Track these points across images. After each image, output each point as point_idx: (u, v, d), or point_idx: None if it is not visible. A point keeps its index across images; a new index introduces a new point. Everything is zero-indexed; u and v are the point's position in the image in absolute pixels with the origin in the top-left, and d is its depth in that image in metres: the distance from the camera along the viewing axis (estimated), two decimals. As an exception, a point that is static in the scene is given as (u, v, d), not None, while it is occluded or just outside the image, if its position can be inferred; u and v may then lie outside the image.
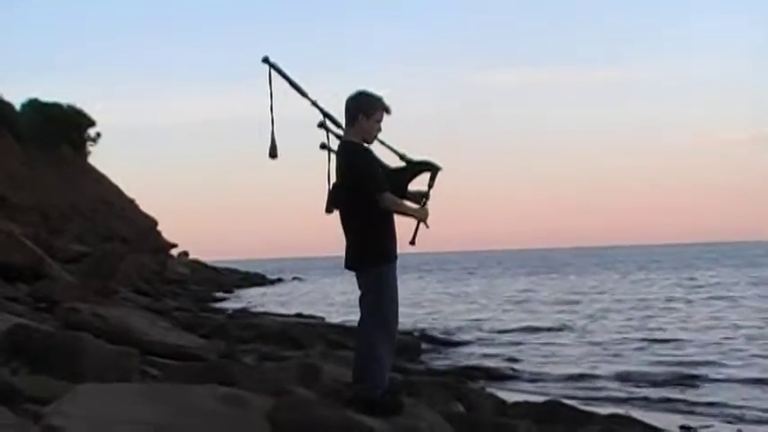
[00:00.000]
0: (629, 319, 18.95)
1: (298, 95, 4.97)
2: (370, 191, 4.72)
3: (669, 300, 24.74)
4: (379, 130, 4.93)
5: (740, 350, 13.35)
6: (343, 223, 4.90)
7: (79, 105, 43.04)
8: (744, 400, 9.35)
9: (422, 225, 4.95)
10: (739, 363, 12.06)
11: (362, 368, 4.81)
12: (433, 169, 5.04)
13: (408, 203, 4.96)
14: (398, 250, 4.92)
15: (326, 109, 5.02)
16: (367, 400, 4.74)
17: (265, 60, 4.86)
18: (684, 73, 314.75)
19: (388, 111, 4.91)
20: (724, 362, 12.10)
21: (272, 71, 4.85)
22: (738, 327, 16.71)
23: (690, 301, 23.99)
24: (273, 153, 4.94)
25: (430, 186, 5.03)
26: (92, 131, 44.64)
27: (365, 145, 4.90)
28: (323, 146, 4.99)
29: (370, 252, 4.81)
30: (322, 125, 4.98)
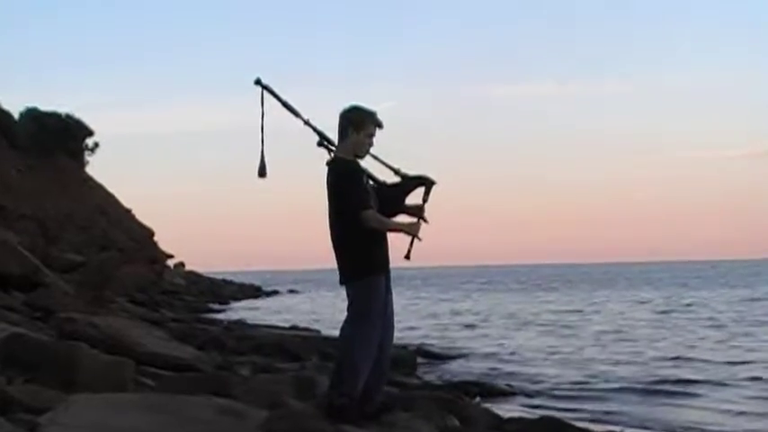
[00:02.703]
0: (631, 340, 18.82)
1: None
2: (353, 209, 4.76)
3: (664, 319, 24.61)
4: (371, 144, 4.97)
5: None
6: (331, 239, 4.95)
7: (78, 115, 43.12)
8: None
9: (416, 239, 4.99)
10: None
11: (337, 374, 4.91)
12: (427, 183, 5.11)
13: (397, 219, 5.02)
14: (392, 264, 4.96)
15: (321, 127, 5.07)
16: (329, 406, 4.80)
17: (258, 82, 4.92)
18: (683, 87, 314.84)
19: (380, 125, 4.97)
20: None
21: (265, 92, 4.92)
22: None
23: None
24: (262, 173, 5.04)
25: (425, 200, 5.09)
26: (90, 141, 44.68)
27: (356, 160, 4.94)
28: (329, 164, 5.03)
29: (355, 265, 4.88)
30: (321, 144, 5.04)
